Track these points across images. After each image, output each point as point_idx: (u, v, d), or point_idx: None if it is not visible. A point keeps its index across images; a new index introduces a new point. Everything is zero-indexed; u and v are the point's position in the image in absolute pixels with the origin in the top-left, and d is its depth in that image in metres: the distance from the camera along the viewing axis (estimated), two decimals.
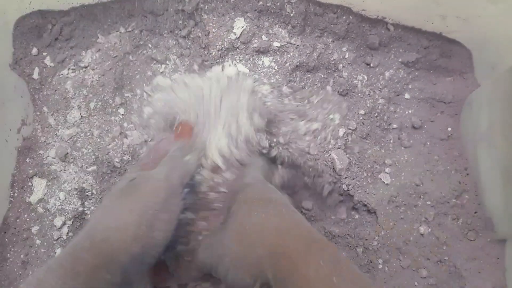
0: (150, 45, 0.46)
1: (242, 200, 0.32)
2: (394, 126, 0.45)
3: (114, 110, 0.45)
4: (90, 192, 0.43)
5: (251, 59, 0.45)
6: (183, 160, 0.35)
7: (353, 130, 0.44)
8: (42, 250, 0.42)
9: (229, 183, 0.36)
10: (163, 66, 0.46)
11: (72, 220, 0.42)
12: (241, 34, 0.44)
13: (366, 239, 0.42)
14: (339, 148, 0.43)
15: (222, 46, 0.44)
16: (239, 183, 0.35)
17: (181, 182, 0.33)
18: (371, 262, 0.41)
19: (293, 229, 0.28)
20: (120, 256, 0.27)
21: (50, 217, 0.43)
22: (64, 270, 0.26)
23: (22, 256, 0.41)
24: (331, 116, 0.44)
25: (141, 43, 0.46)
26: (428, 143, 0.45)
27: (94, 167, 0.43)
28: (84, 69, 0.46)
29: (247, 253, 0.28)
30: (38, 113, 0.46)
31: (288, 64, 0.44)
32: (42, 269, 0.27)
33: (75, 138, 0.44)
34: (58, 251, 0.40)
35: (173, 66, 0.46)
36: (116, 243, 0.28)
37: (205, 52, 0.45)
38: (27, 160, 0.44)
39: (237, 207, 0.31)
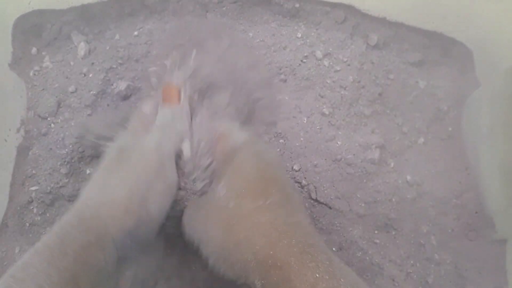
0: None
1: (233, 173, 0.28)
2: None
3: None
4: None
5: None
6: (175, 128, 0.32)
7: None
8: None
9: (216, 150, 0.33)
10: None
11: None
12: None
13: None
14: None
15: None
16: (227, 146, 0.31)
17: (173, 151, 0.31)
18: (372, 264, 0.41)
19: (287, 233, 0.25)
20: (112, 232, 0.26)
21: None
22: (50, 251, 0.25)
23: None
24: None
25: None
26: (429, 143, 0.45)
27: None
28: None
29: (232, 252, 0.26)
30: (33, 111, 0.45)
31: None
32: (29, 252, 0.25)
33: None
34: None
35: None
36: (107, 218, 0.26)
37: None
38: (26, 160, 0.44)
39: (227, 181, 0.28)
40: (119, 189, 0.27)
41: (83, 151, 0.43)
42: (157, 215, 0.28)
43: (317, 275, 0.23)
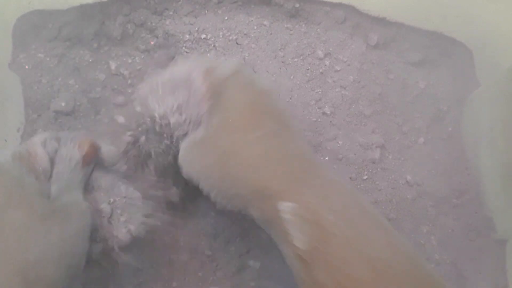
0: None
1: (224, 108, 0.27)
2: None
3: None
4: None
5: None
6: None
7: None
8: None
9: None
10: None
11: None
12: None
13: None
14: None
15: None
16: (215, 79, 0.28)
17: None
18: None
19: (281, 164, 0.25)
20: None
21: None
22: None
23: None
24: None
25: None
26: (429, 143, 0.45)
27: None
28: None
29: (230, 187, 0.26)
30: (30, 111, 0.45)
31: None
32: None
33: None
34: None
35: None
36: (52, 277, 0.24)
37: None
38: None
39: (219, 117, 0.27)
40: (61, 245, 0.25)
41: None
42: (83, 262, 0.28)
43: (311, 200, 0.23)
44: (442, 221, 0.42)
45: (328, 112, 0.44)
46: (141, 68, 0.46)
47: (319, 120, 0.44)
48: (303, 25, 0.46)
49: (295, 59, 0.45)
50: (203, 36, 0.46)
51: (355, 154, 0.43)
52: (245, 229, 0.40)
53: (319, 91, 0.45)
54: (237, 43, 0.45)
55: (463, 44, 0.45)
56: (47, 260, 0.24)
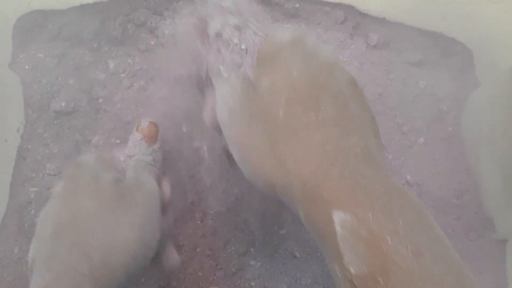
0: None
1: (278, 75, 0.23)
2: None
3: None
4: None
5: None
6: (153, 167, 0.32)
7: None
8: None
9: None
10: None
11: None
12: None
13: None
14: None
15: None
16: (271, 46, 0.24)
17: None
18: None
19: (339, 160, 0.21)
20: (119, 277, 0.25)
21: None
22: None
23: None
24: None
25: None
26: (429, 143, 0.45)
27: None
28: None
29: (276, 170, 0.22)
30: (30, 111, 0.46)
31: None
32: None
33: None
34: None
35: None
36: (117, 264, 0.25)
37: None
38: (26, 160, 0.44)
39: (271, 82, 0.23)
40: (128, 231, 0.26)
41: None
42: (151, 257, 0.28)
43: (370, 214, 0.19)
44: (442, 221, 0.42)
45: None
46: (141, 68, 0.46)
47: None
48: (303, 25, 0.46)
49: None
50: None
51: None
52: (245, 229, 0.40)
53: None
54: None
55: (463, 44, 0.45)
56: (112, 246, 0.25)
